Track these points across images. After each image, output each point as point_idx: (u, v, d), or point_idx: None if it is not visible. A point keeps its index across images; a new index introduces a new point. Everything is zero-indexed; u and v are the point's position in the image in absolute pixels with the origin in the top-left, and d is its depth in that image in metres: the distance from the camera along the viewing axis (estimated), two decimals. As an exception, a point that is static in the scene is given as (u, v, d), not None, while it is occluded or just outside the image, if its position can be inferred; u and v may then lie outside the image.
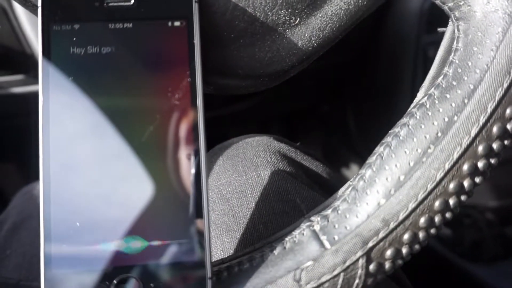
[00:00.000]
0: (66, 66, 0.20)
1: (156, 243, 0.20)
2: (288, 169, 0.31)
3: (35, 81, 0.50)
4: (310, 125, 0.90)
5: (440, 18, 0.25)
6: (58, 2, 0.20)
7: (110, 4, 0.20)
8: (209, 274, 0.19)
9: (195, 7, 0.20)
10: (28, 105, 0.52)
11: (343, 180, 0.33)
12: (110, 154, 0.20)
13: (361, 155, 0.74)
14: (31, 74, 0.49)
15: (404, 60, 0.60)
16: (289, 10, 0.22)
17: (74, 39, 0.20)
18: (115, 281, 0.19)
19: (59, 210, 0.19)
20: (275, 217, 0.27)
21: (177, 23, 0.20)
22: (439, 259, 0.63)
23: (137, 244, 0.19)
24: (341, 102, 0.81)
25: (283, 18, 0.22)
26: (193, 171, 0.20)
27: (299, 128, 0.92)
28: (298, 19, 0.23)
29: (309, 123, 0.90)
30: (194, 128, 0.20)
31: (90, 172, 0.20)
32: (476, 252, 0.63)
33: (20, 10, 0.45)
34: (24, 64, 0.48)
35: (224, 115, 0.75)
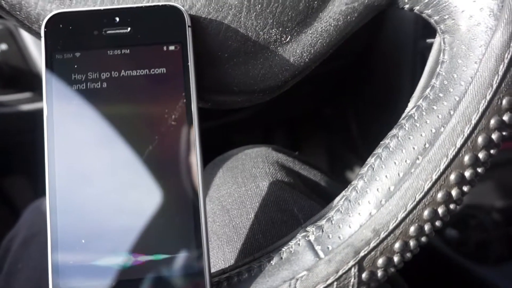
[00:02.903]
0: (69, 91, 0.21)
1: (158, 256, 0.20)
2: (286, 179, 0.32)
3: (42, 99, 0.51)
4: (313, 129, 0.91)
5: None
6: (60, 32, 0.21)
7: (108, 32, 0.21)
8: (208, 285, 0.20)
9: (189, 31, 0.21)
10: (35, 122, 0.54)
11: (340, 188, 0.34)
12: (111, 171, 0.21)
13: (363, 158, 0.74)
14: (38, 92, 0.50)
15: (403, 63, 0.61)
16: (280, 29, 0.23)
17: (76, 66, 0.21)
18: (120, 295, 0.20)
19: (65, 224, 0.20)
20: (274, 226, 0.28)
21: (171, 47, 0.21)
22: (444, 260, 0.63)
23: (140, 257, 0.20)
24: (343, 106, 0.81)
25: (274, 36, 0.23)
26: (191, 185, 0.21)
27: (302, 132, 0.92)
28: (289, 36, 0.23)
29: (311, 127, 0.91)
30: (191, 146, 0.21)
31: (92, 188, 0.21)
32: (482, 253, 0.63)
33: (25, 32, 0.47)
34: (30, 82, 0.50)
35: (227, 123, 0.75)
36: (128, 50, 0.21)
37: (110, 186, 0.21)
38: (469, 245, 0.64)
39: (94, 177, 0.21)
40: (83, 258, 0.20)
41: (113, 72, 0.21)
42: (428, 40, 0.25)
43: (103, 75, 0.21)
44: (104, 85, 0.21)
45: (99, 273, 0.20)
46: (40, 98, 0.51)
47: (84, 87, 0.21)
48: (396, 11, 0.57)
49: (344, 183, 0.36)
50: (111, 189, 0.21)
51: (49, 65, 0.21)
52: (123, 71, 0.21)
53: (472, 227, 0.66)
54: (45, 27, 0.21)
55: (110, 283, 0.20)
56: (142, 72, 0.21)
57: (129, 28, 0.21)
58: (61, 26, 0.21)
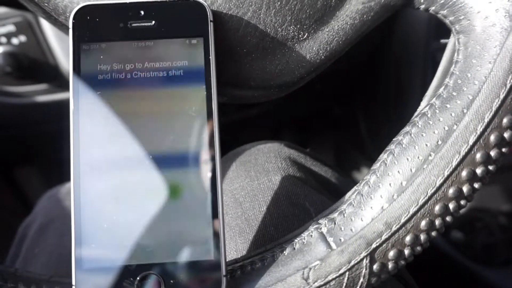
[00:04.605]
0: (94, 81, 0.22)
1: (176, 244, 0.21)
2: (298, 174, 0.32)
3: (58, 90, 0.52)
4: (321, 129, 0.91)
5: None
6: (87, 24, 0.22)
7: (134, 25, 0.22)
8: (224, 272, 0.21)
9: (211, 26, 0.22)
10: (50, 113, 0.55)
11: (350, 185, 0.34)
12: (131, 161, 0.22)
13: (372, 158, 0.74)
14: (54, 83, 0.52)
15: (414, 64, 0.61)
16: (298, 26, 0.24)
17: (101, 56, 0.22)
18: (138, 278, 0.21)
19: (88, 212, 0.21)
20: (285, 220, 0.29)
21: (194, 41, 0.22)
22: (450, 262, 0.63)
23: (159, 243, 0.21)
24: (352, 106, 0.81)
25: (292, 33, 0.24)
26: (209, 176, 0.21)
27: (311, 131, 0.93)
28: (306, 34, 0.24)
29: (320, 126, 0.91)
30: (210, 138, 0.22)
31: (114, 177, 0.22)
32: (488, 256, 0.63)
33: (46, 24, 0.48)
34: (47, 74, 0.51)
35: (236, 120, 0.76)
36: (152, 43, 0.22)
37: (131, 175, 0.22)
38: (475, 247, 0.64)
39: (115, 166, 0.22)
40: (105, 242, 0.21)
41: (137, 64, 0.22)
42: (442, 41, 0.26)
43: (127, 66, 0.22)
44: (128, 76, 0.22)
45: (118, 256, 0.21)
46: (56, 90, 0.52)
47: (109, 77, 0.22)
48: (409, 11, 0.57)
49: (352, 182, 0.37)
50: (132, 177, 0.22)
51: (75, 55, 0.22)
52: (146, 62, 0.22)
53: (478, 230, 0.66)
54: (73, 18, 0.22)
55: (129, 266, 0.21)
56: (165, 63, 0.22)
57: (153, 22, 0.22)
58: (88, 18, 0.22)
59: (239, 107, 0.73)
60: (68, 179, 0.41)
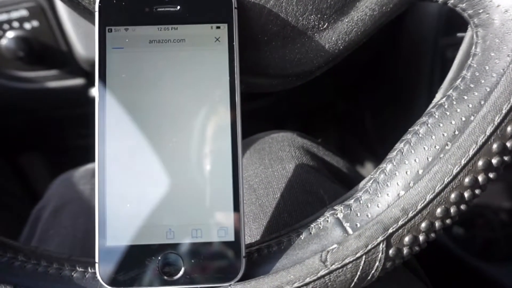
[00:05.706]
0: (119, 63, 0.22)
1: (197, 225, 0.22)
2: (311, 163, 0.33)
3: (69, 76, 0.53)
4: (326, 123, 0.92)
5: (458, 20, 0.26)
6: (113, 8, 0.22)
7: (159, 9, 0.22)
8: (243, 253, 0.22)
9: (235, 13, 0.22)
10: (61, 99, 0.55)
11: (361, 176, 0.35)
12: (157, 144, 0.22)
13: (376, 153, 0.75)
14: (65, 69, 0.52)
15: (422, 60, 0.61)
16: (318, 15, 0.24)
17: (127, 40, 0.22)
18: (160, 257, 0.21)
19: (112, 192, 0.21)
20: (299, 206, 0.29)
21: (218, 27, 0.22)
22: (451, 257, 0.64)
23: (183, 224, 0.22)
24: (358, 101, 0.82)
25: (313, 22, 0.24)
26: (230, 160, 0.22)
27: (315, 126, 0.93)
28: (326, 23, 0.24)
29: (325, 121, 0.92)
30: (232, 122, 0.22)
31: (138, 160, 0.22)
32: (489, 252, 0.64)
33: (60, 10, 0.48)
34: (59, 60, 0.51)
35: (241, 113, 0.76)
36: (177, 28, 0.22)
37: (154, 158, 0.22)
38: (476, 243, 0.65)
39: (139, 149, 0.22)
40: (128, 221, 0.21)
41: (161, 48, 0.22)
42: (459, 34, 0.26)
43: (152, 49, 0.22)
44: (153, 59, 0.22)
45: (141, 235, 0.21)
46: (67, 76, 0.52)
47: (134, 60, 0.22)
48: (419, 6, 0.57)
49: (359, 175, 0.37)
50: (155, 160, 0.22)
51: (101, 39, 0.22)
52: (171, 47, 0.22)
53: (479, 225, 0.66)
54: (100, 2, 0.22)
55: (151, 245, 0.21)
56: (189, 48, 0.22)
57: (178, 7, 0.22)
58: (114, 1, 0.22)
59: (243, 99, 0.73)
60: (80, 163, 0.41)
